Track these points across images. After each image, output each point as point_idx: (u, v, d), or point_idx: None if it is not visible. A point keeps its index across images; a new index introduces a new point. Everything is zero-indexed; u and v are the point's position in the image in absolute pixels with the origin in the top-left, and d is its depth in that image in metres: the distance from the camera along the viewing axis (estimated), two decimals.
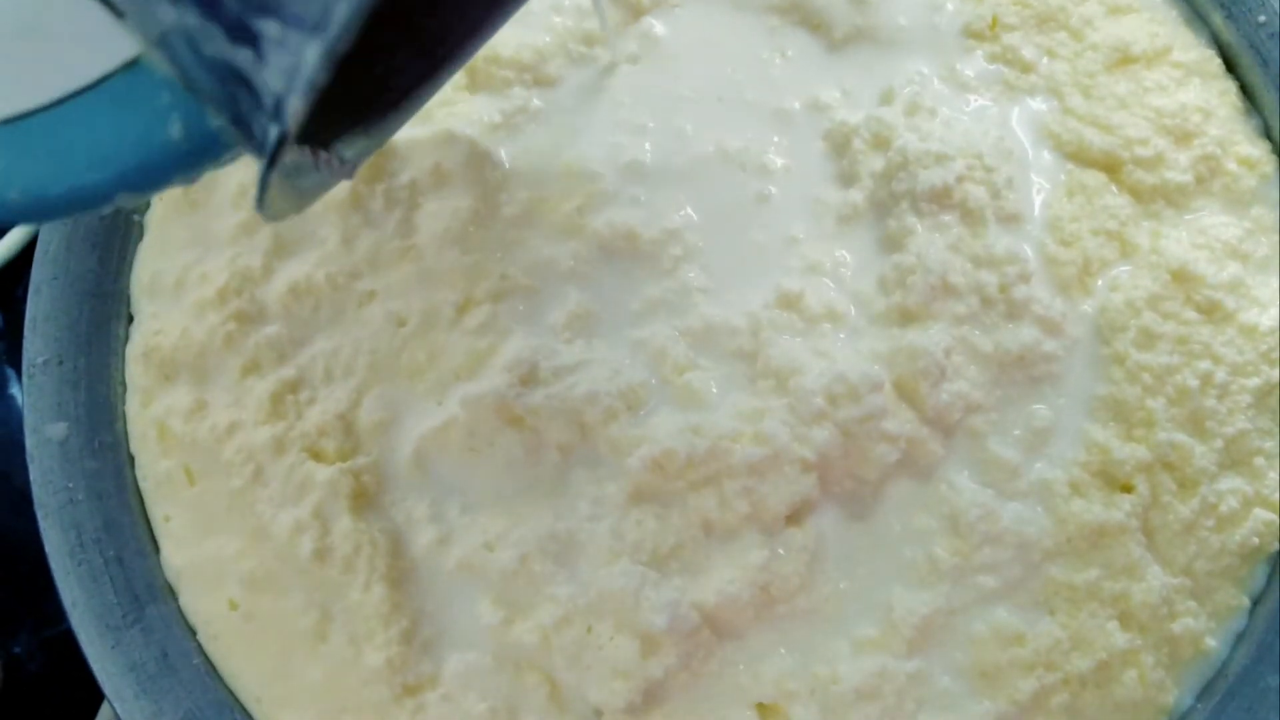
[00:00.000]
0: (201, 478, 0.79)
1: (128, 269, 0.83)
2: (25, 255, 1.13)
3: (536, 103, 0.81)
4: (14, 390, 1.11)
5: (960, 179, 0.75)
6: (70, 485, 0.79)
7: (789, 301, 0.76)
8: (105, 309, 0.82)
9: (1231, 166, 0.79)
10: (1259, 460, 0.74)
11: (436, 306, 0.78)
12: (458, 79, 0.81)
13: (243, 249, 0.80)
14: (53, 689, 1.06)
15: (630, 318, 0.77)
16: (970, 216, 0.76)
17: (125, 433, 0.81)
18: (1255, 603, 0.75)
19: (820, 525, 0.74)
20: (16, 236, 1.11)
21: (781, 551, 0.73)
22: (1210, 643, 0.74)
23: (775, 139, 0.80)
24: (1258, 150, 0.79)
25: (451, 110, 0.81)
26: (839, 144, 0.79)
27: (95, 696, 1.01)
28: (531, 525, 0.74)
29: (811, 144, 0.80)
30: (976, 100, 0.79)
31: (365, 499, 0.76)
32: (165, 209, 0.82)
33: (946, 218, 0.76)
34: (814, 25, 0.81)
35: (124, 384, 0.82)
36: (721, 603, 0.72)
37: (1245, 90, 0.81)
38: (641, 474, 0.73)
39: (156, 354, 0.80)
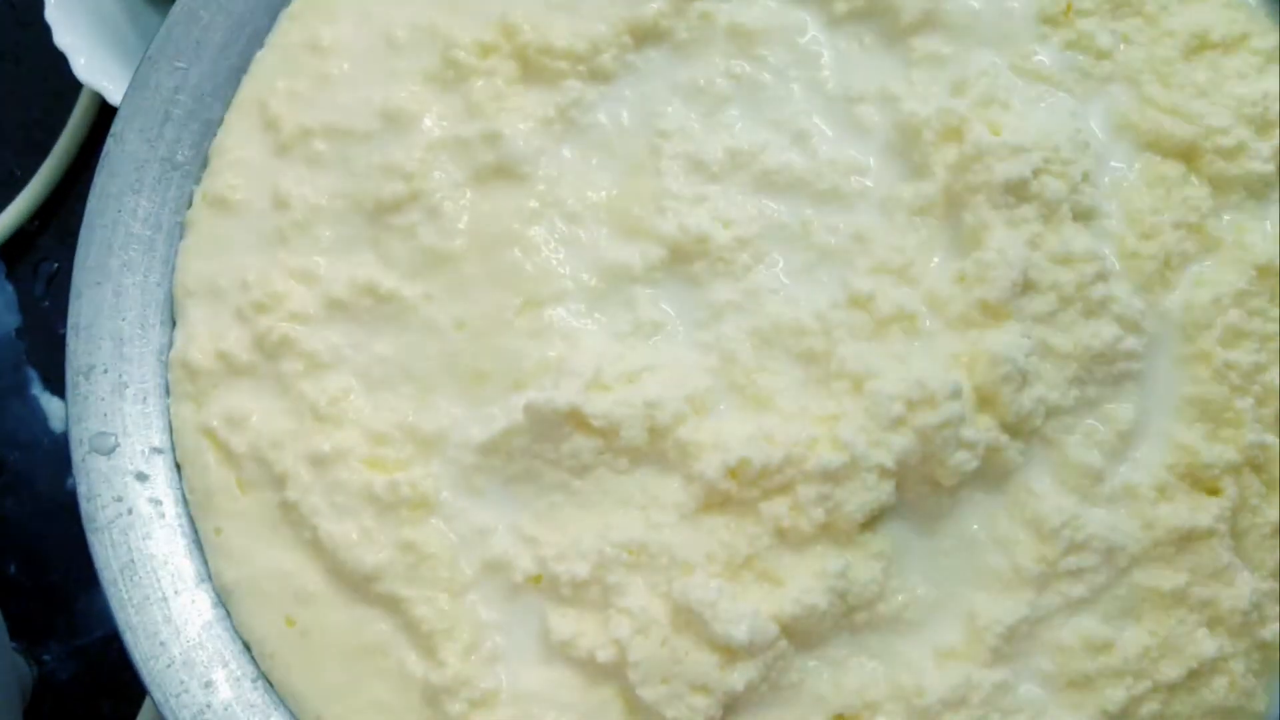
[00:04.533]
0: (252, 489, 0.76)
1: (170, 272, 0.80)
2: (31, 247, 1.10)
3: (592, 96, 0.79)
4: (35, 391, 1.09)
5: (1037, 172, 0.73)
6: (118, 499, 0.76)
7: (859, 302, 0.74)
8: (148, 314, 0.79)
9: None
10: None
11: (497, 309, 0.75)
12: (509, 71, 0.78)
13: (294, 250, 0.77)
14: (83, 698, 1.04)
15: (699, 320, 0.75)
16: (1048, 210, 0.73)
17: (172, 442, 0.78)
18: None
19: (897, 532, 0.73)
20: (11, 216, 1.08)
21: (858, 559, 0.71)
22: None
23: (843, 132, 0.77)
24: None
25: (503, 105, 0.78)
26: (909, 136, 0.76)
27: (125, 706, 0.99)
28: (602, 534, 0.71)
29: (880, 136, 0.77)
30: (1052, 90, 0.77)
31: (426, 509, 0.74)
32: (208, 210, 0.79)
33: (1024, 211, 0.73)
34: (882, 10, 0.78)
35: (169, 391, 0.79)
36: (799, 613, 0.70)
37: None
38: (714, 482, 0.70)
39: (203, 360, 0.77)
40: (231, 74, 0.82)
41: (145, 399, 0.78)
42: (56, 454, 1.06)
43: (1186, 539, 0.71)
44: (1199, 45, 0.77)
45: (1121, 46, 0.77)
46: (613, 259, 0.75)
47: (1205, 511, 0.71)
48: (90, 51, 0.99)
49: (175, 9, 0.81)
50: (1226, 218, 0.76)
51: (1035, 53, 0.77)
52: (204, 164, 0.81)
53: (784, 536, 0.71)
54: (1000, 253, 0.72)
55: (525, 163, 0.77)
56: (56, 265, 1.10)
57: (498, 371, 0.75)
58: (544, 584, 0.72)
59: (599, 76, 0.79)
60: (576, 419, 0.71)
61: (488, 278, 0.76)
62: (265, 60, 0.82)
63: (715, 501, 0.72)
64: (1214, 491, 0.72)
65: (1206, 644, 0.71)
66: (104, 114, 1.09)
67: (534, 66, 0.78)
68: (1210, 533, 0.71)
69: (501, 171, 0.77)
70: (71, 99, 1.09)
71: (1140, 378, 0.73)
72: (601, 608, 0.71)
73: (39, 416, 1.08)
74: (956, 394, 0.70)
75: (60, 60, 0.98)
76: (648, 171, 0.76)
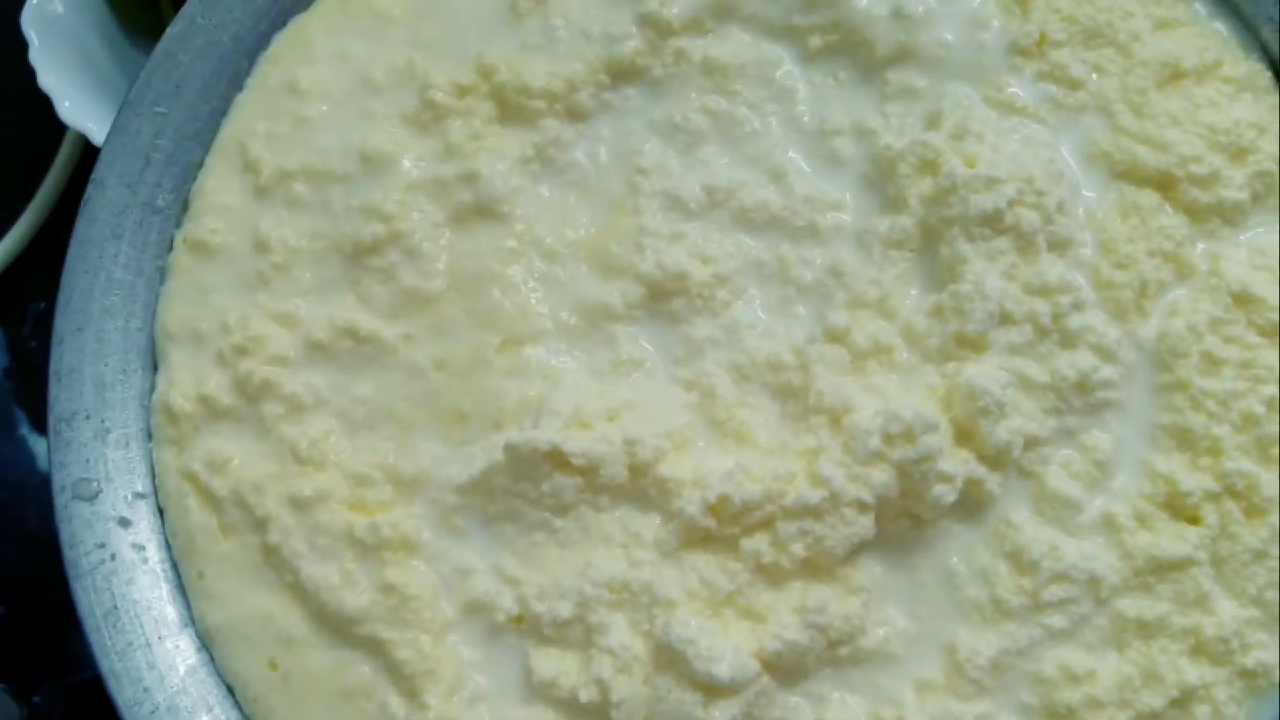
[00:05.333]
0: (235, 532, 0.76)
1: (151, 316, 0.80)
2: (18, 288, 1.10)
3: (569, 134, 0.79)
4: (23, 431, 1.09)
5: (1012, 203, 0.73)
6: (101, 545, 0.76)
7: (836, 336, 0.74)
8: (130, 359, 0.79)
9: None
10: None
11: (476, 349, 0.75)
12: (486, 111, 0.78)
13: (274, 293, 0.78)
14: None
15: (678, 356, 0.75)
16: (1023, 241, 0.74)
17: (154, 487, 0.78)
18: None
19: (876, 565, 0.73)
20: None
21: (838, 593, 0.71)
22: None
23: (819, 167, 0.78)
24: None
25: (481, 145, 0.78)
26: (884, 170, 0.76)
27: None
28: (583, 573, 0.72)
29: (856, 170, 0.77)
30: (1025, 121, 0.77)
31: (407, 550, 0.74)
32: (189, 254, 0.79)
33: (999, 243, 0.73)
34: (856, 44, 0.78)
35: (151, 435, 0.79)
36: (780, 649, 0.70)
37: None
38: (695, 519, 0.71)
39: (185, 404, 0.77)
40: (211, 117, 0.82)
41: (128, 444, 0.78)
42: (45, 494, 1.04)
43: (1166, 568, 0.71)
44: (1171, 74, 0.77)
45: (1094, 77, 0.77)
46: (592, 297, 0.76)
47: (1185, 540, 0.71)
48: (75, 93, 1.00)
49: (155, 53, 0.82)
50: (1201, 246, 0.76)
51: (1009, 84, 0.77)
52: (184, 208, 0.81)
53: (764, 572, 0.72)
54: (976, 285, 0.72)
55: (503, 202, 0.77)
56: (44, 305, 1.10)
57: (478, 411, 0.75)
58: (525, 624, 0.72)
59: (576, 115, 0.79)
60: (557, 458, 0.72)
61: (467, 317, 0.76)
62: (244, 103, 0.82)
63: (696, 538, 0.72)
64: (1194, 520, 0.72)
65: (1189, 672, 0.71)
66: (90, 154, 1.09)
67: (511, 106, 0.79)
68: (1190, 561, 0.71)
69: (480, 211, 0.77)
70: (58, 140, 1.10)
71: (1117, 407, 0.74)
72: (583, 647, 0.71)
73: (27, 457, 1.08)
74: (933, 427, 0.70)
75: (46, 101, 0.99)
76: (626, 209, 0.77)
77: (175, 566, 0.77)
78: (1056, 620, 0.71)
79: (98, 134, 0.98)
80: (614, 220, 0.77)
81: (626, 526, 0.73)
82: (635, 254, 0.76)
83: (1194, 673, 0.71)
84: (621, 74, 0.79)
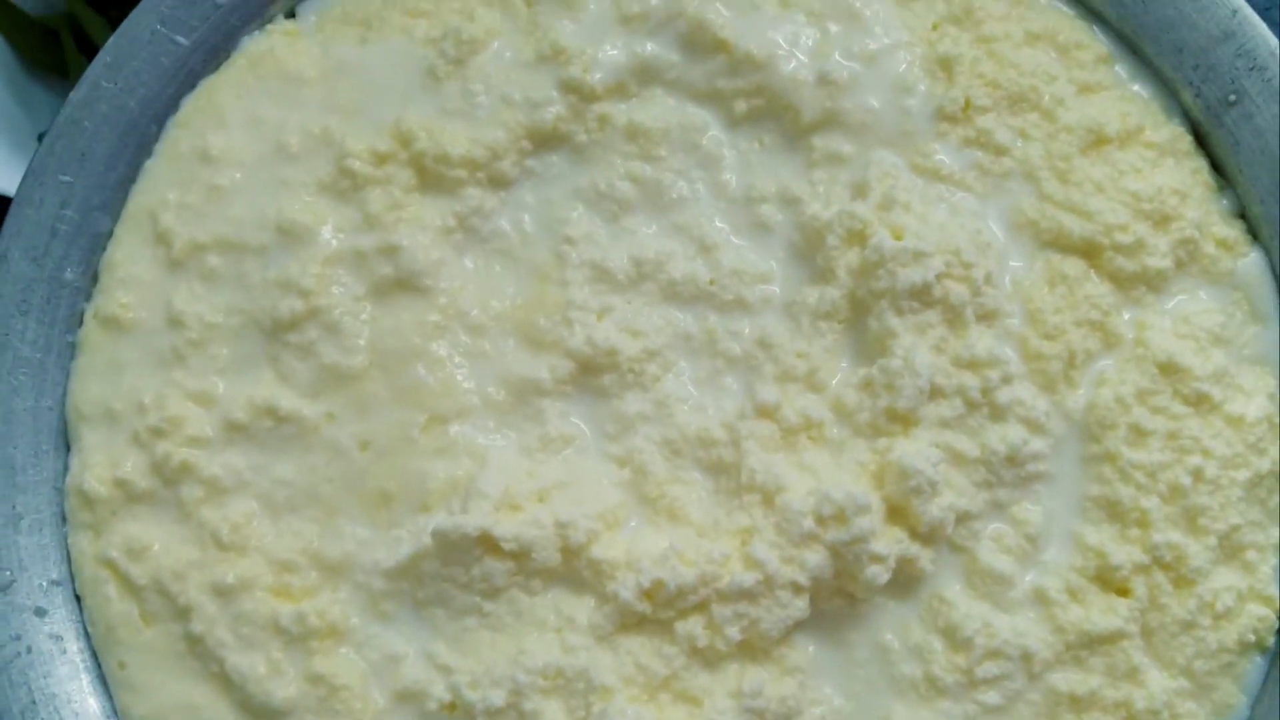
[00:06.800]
0: (156, 621, 0.74)
1: (63, 395, 0.77)
2: None
3: (492, 203, 0.77)
4: None
5: (940, 276, 0.73)
6: (16, 638, 0.74)
7: (766, 411, 0.74)
8: (41, 440, 0.76)
9: (1210, 249, 0.77)
10: (1251, 554, 0.74)
11: (401, 428, 0.74)
12: (406, 179, 0.76)
13: (190, 371, 0.75)
14: None
15: (609, 432, 0.74)
16: (951, 314, 0.73)
17: (71, 574, 0.76)
18: (1254, 701, 0.74)
19: (810, 644, 0.73)
20: None
21: (774, 675, 0.71)
22: None
23: (747, 236, 0.77)
24: (1233, 231, 0.78)
25: (401, 215, 0.76)
26: (812, 240, 0.76)
27: None
28: (516, 660, 0.71)
29: (783, 237, 0.77)
30: (952, 189, 0.77)
31: (335, 637, 0.72)
32: (100, 329, 0.77)
33: (928, 316, 0.73)
34: (781, 109, 0.77)
35: (66, 519, 0.76)
36: None
37: (1215, 165, 0.80)
38: (630, 603, 0.70)
39: (100, 488, 0.74)
40: (119, 186, 0.79)
41: (42, 529, 0.75)
42: None
43: (1098, 641, 0.72)
44: (1095, 140, 0.77)
45: (1019, 142, 0.77)
46: (520, 372, 0.74)
47: (1115, 613, 0.72)
48: None
49: (58, 120, 0.78)
50: (1127, 314, 0.76)
51: (935, 151, 0.77)
52: (94, 280, 0.78)
53: (700, 655, 0.71)
54: (906, 360, 0.72)
55: (426, 275, 0.75)
56: None
57: (404, 492, 0.73)
58: (458, 712, 0.71)
59: (498, 183, 0.77)
60: (487, 542, 0.70)
61: (391, 395, 0.74)
62: (154, 170, 0.79)
63: (631, 622, 0.71)
64: (1123, 592, 0.73)
65: None
66: None
67: (431, 175, 0.77)
68: (1121, 634, 0.72)
69: (402, 284, 0.75)
70: None
71: (1047, 479, 0.74)
72: None
73: None
74: (865, 509, 0.70)
75: None
76: (553, 280, 0.75)
77: (95, 656, 0.75)
78: (991, 697, 0.71)
79: (2, 181, 0.94)
80: (541, 292, 0.76)
81: (560, 610, 0.72)
82: (564, 328, 0.74)
83: None
84: (544, 140, 0.78)
